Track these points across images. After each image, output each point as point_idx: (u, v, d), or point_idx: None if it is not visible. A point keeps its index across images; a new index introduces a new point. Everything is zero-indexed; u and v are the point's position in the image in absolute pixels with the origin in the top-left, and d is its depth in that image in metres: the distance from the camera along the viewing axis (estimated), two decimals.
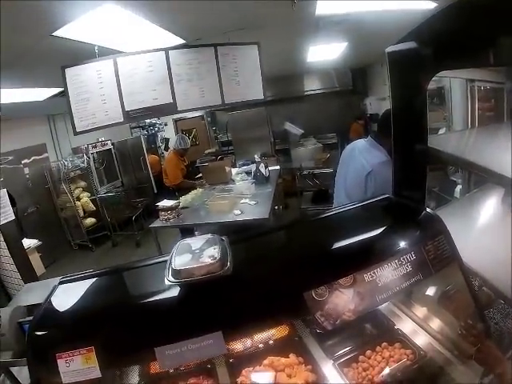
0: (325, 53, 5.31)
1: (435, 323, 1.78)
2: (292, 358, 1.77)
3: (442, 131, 4.53)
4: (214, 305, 1.17)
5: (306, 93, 7.94)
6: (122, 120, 3.21)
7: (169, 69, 3.31)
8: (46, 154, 6.77)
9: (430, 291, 1.79)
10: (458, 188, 3.50)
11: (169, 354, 1.07)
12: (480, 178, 2.85)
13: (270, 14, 3.06)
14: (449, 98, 5.00)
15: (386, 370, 1.59)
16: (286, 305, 1.20)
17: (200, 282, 1.12)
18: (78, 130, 3.09)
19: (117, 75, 3.13)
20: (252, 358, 1.78)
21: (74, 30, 2.48)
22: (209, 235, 1.31)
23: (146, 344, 1.10)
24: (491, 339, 1.50)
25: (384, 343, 1.77)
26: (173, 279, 1.15)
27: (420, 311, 1.87)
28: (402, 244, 1.37)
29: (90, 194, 6.75)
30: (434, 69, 1.52)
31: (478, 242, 2.03)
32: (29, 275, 3.26)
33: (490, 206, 2.54)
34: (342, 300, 1.20)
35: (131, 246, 6.49)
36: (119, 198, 6.88)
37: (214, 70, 3.53)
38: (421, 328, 1.82)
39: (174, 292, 1.19)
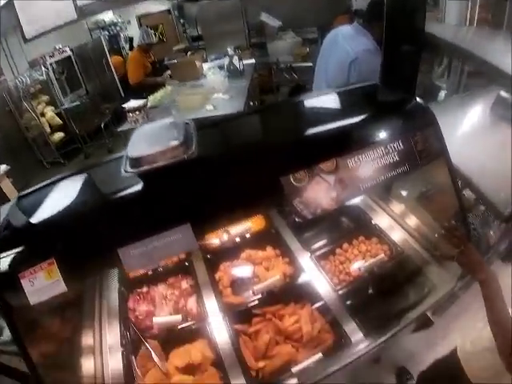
0: None
1: (414, 221, 1.78)
2: (269, 250, 1.79)
3: None
4: (179, 195, 1.03)
5: None
6: (75, 17, 2.76)
7: None
8: (3, 77, 6.07)
9: (412, 188, 1.75)
10: (443, 93, 3.35)
11: (134, 255, 0.95)
12: (468, 83, 2.74)
13: None
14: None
15: (363, 264, 1.61)
16: (262, 191, 1.07)
17: (163, 170, 0.98)
18: (28, 37, 2.68)
19: None
20: (229, 253, 1.79)
21: None
22: (170, 119, 1.16)
23: (108, 246, 0.97)
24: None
25: (361, 237, 1.78)
26: (130, 169, 0.99)
27: (399, 208, 1.86)
28: (389, 132, 1.23)
29: (54, 108, 6.18)
30: None
31: (465, 145, 1.96)
32: (1, 201, 3.11)
33: (478, 112, 2.46)
34: (324, 187, 1.09)
35: (104, 154, 6.12)
36: (85, 106, 6.35)
37: None
38: (399, 225, 1.82)
39: (134, 185, 1.03)
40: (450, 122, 2.17)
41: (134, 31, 8.84)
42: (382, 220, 1.85)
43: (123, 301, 1.63)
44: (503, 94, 1.99)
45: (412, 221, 1.79)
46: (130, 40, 8.63)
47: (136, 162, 0.99)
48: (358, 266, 1.63)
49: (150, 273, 1.72)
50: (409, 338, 2.05)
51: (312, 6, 6.75)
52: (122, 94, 7.15)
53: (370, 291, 1.59)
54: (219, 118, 3.32)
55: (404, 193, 1.82)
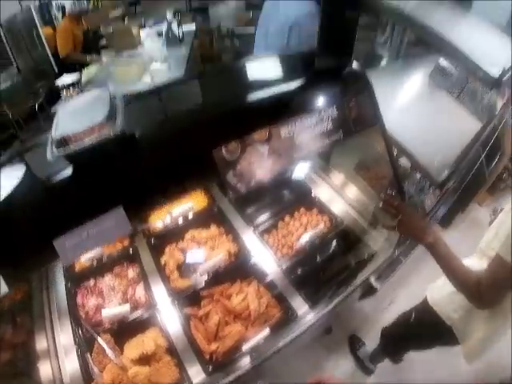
0: None
1: (353, 191, 1.82)
2: (213, 229, 1.75)
3: None
4: (108, 175, 0.95)
5: None
6: None
7: None
8: None
9: (351, 158, 1.78)
10: (385, 61, 3.40)
11: (69, 246, 0.89)
12: (408, 52, 2.79)
13: None
14: None
15: (305, 236, 1.62)
16: (193, 167, 1.00)
17: (89, 150, 0.89)
18: None
19: None
20: (173, 235, 1.73)
21: None
22: (97, 91, 1.05)
23: (40, 239, 0.88)
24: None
25: (302, 209, 1.79)
26: (56, 151, 0.91)
27: (338, 178, 1.88)
28: (324, 99, 1.21)
29: None
30: None
31: (402, 112, 1.98)
32: None
33: (416, 80, 2.50)
34: (257, 157, 1.05)
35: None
36: (17, 87, 5.83)
37: None
38: (338, 195, 1.85)
39: (63, 168, 0.95)
40: (388, 89, 2.19)
41: None
42: (321, 191, 1.87)
43: (71, 297, 1.55)
44: (442, 62, 2.05)
45: (351, 191, 1.83)
46: (63, 9, 7.90)
47: (60, 143, 0.91)
48: (299, 238, 1.64)
49: (95, 264, 1.63)
50: (357, 306, 2.12)
51: None
52: (56, 70, 6.60)
53: (313, 263, 1.61)
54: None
55: (342, 163, 1.84)
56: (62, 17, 7.78)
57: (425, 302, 1.46)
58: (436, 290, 1.43)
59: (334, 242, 1.64)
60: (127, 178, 0.96)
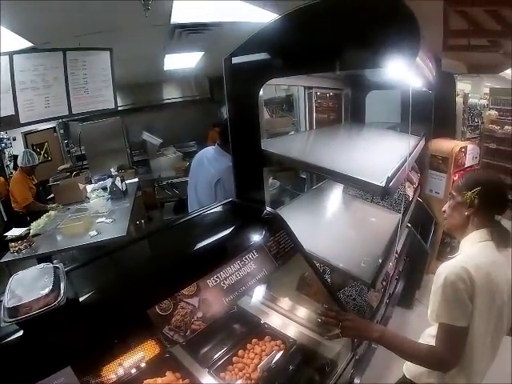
0: (182, 61, 5.30)
1: (298, 311, 1.93)
2: (169, 375, 1.69)
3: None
4: (56, 339, 1.06)
5: (164, 101, 7.63)
6: None
7: (12, 76, 2.88)
8: None
9: (290, 279, 1.90)
10: (306, 184, 3.91)
11: None
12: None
13: (122, 18, 2.93)
14: (297, 105, 5.59)
15: (261, 365, 1.65)
16: (132, 326, 1.15)
17: (38, 317, 1.01)
18: None
19: None
20: None
21: None
22: (41, 265, 1.20)
23: None
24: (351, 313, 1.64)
25: (254, 339, 1.84)
26: (8, 319, 1.01)
27: (282, 302, 2.01)
28: (244, 244, 1.43)
29: None
30: (266, 76, 1.60)
31: (323, 232, 2.25)
32: None
33: (333, 197, 2.87)
34: (189, 310, 1.20)
35: None
36: None
37: (62, 77, 3.21)
38: (286, 317, 1.95)
39: (15, 331, 1.06)
40: (310, 214, 2.51)
41: (19, 148, 8.32)
42: (270, 318, 1.97)
43: None
44: None
45: (299, 310, 1.94)
46: (15, 158, 8.11)
47: (12, 311, 1.02)
48: (256, 368, 1.66)
49: None
50: None
51: (189, 123, 7.44)
52: (5, 218, 6.55)
53: None
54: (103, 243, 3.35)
55: (284, 286, 1.97)
56: (13, 167, 8.01)
57: (403, 378, 1.50)
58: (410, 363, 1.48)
59: (292, 362, 1.68)
60: (73, 339, 1.07)
